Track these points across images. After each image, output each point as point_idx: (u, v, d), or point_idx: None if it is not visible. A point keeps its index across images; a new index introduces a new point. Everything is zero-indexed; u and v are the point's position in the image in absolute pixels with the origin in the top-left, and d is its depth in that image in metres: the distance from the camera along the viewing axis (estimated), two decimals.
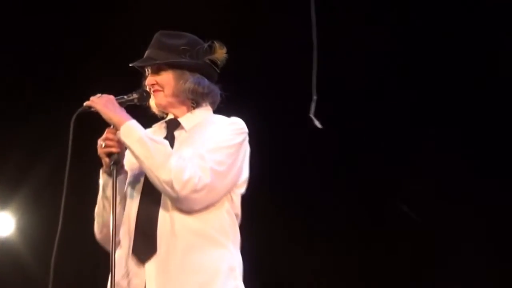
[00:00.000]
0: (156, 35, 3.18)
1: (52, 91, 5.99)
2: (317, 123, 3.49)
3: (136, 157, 2.90)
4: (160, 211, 2.94)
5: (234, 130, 3.08)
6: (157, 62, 3.12)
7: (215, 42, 3.18)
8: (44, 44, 5.76)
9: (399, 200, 5.59)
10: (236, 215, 3.10)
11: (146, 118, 3.20)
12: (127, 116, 2.97)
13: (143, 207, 2.99)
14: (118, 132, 2.94)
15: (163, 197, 2.94)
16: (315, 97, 3.49)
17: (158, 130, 3.19)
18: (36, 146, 6.32)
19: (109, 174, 2.99)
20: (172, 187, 2.85)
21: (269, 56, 5.39)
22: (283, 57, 5.38)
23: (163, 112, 3.23)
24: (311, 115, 3.49)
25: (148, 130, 3.13)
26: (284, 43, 5.31)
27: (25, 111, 6.14)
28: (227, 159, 2.98)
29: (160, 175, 2.85)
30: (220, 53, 3.19)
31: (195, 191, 2.86)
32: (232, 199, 3.06)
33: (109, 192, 2.99)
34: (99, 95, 3.01)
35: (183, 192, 2.85)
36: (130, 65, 3.13)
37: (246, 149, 3.12)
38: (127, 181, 3.07)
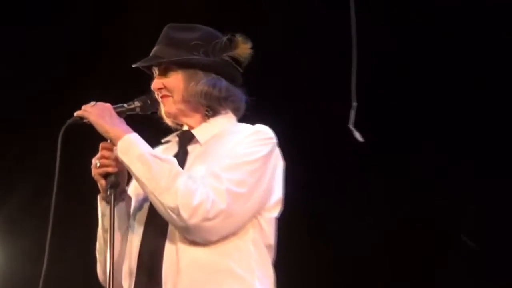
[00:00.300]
0: (165, 29, 2.79)
1: (35, 101, 5.52)
2: (358, 136, 3.13)
3: (137, 178, 2.54)
4: (167, 243, 2.58)
5: (258, 140, 2.64)
6: (162, 60, 2.73)
7: (236, 35, 2.76)
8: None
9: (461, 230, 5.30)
10: (268, 247, 2.67)
11: (159, 132, 2.85)
12: (127, 128, 2.61)
13: (146, 240, 2.63)
14: (115, 148, 2.57)
15: (170, 227, 2.57)
16: (355, 104, 3.11)
17: (171, 146, 2.81)
18: (12, 167, 5.75)
19: (108, 200, 2.63)
20: (178, 215, 2.47)
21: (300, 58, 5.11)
22: (316, 59, 5.06)
23: (178, 123, 2.82)
24: (351, 126, 3.10)
25: (159, 147, 2.81)
26: (318, 43, 5.05)
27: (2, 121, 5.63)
28: (248, 178, 2.56)
29: (165, 200, 2.48)
30: (243, 48, 2.76)
31: (207, 218, 2.47)
32: (260, 226, 2.63)
33: (108, 223, 2.64)
34: (93, 103, 2.65)
35: (192, 221, 2.46)
36: (133, 66, 2.77)
37: (277, 163, 2.68)
38: (132, 209, 2.73)
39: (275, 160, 2.66)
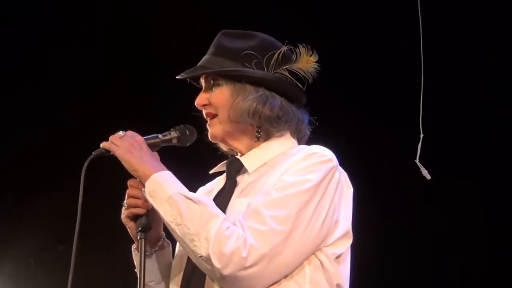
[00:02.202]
0: (217, 36, 2.46)
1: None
2: (426, 173, 2.79)
3: (167, 224, 2.23)
4: None
5: (310, 166, 2.25)
6: (202, 72, 2.40)
7: (300, 45, 2.40)
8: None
9: None
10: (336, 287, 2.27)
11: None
12: (158, 165, 2.30)
13: None
14: (143, 189, 2.27)
15: (207, 278, 2.25)
16: (422, 136, 2.91)
17: (224, 177, 2.46)
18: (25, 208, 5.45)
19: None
20: (211, 265, 2.14)
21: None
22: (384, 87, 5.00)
23: (230, 148, 2.47)
24: (418, 162, 2.89)
25: (213, 181, 2.50)
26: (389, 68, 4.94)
27: None
28: (297, 213, 2.18)
29: (195, 248, 2.16)
30: (307, 61, 2.40)
31: (243, 267, 2.13)
32: (321, 264, 2.24)
33: (148, 276, 2.34)
34: (121, 133, 2.33)
35: (227, 271, 2.13)
36: (177, 77, 2.44)
37: (339, 190, 2.28)
38: (175, 255, 2.43)
39: (335, 186, 2.26)
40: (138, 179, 2.28)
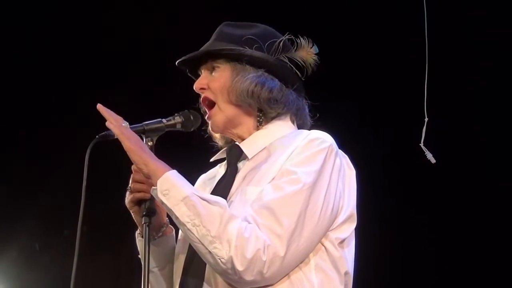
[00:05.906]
0: (220, 26, 2.45)
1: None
2: (430, 156, 2.78)
3: (181, 224, 2.16)
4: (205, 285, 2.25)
5: (313, 154, 2.23)
6: (198, 52, 2.37)
7: (301, 37, 2.38)
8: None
9: None
10: (342, 272, 2.25)
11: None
12: (165, 165, 2.23)
13: (185, 281, 2.28)
14: (153, 188, 2.20)
15: (207, 272, 2.24)
16: (426, 119, 2.87)
17: (225, 164, 2.43)
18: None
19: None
20: (233, 268, 2.12)
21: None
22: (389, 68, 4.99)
23: (231, 139, 2.43)
24: (422, 145, 2.85)
25: (214, 169, 2.47)
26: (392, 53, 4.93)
27: None
28: (306, 207, 2.17)
29: (216, 251, 2.13)
30: (307, 52, 2.39)
31: (263, 273, 2.13)
32: (325, 249, 2.23)
33: (152, 261, 2.35)
34: (124, 122, 2.27)
35: (247, 274, 2.12)
36: (177, 62, 2.42)
37: (341, 174, 2.26)
38: (177, 243, 2.40)
39: (338, 172, 2.25)
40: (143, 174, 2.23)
